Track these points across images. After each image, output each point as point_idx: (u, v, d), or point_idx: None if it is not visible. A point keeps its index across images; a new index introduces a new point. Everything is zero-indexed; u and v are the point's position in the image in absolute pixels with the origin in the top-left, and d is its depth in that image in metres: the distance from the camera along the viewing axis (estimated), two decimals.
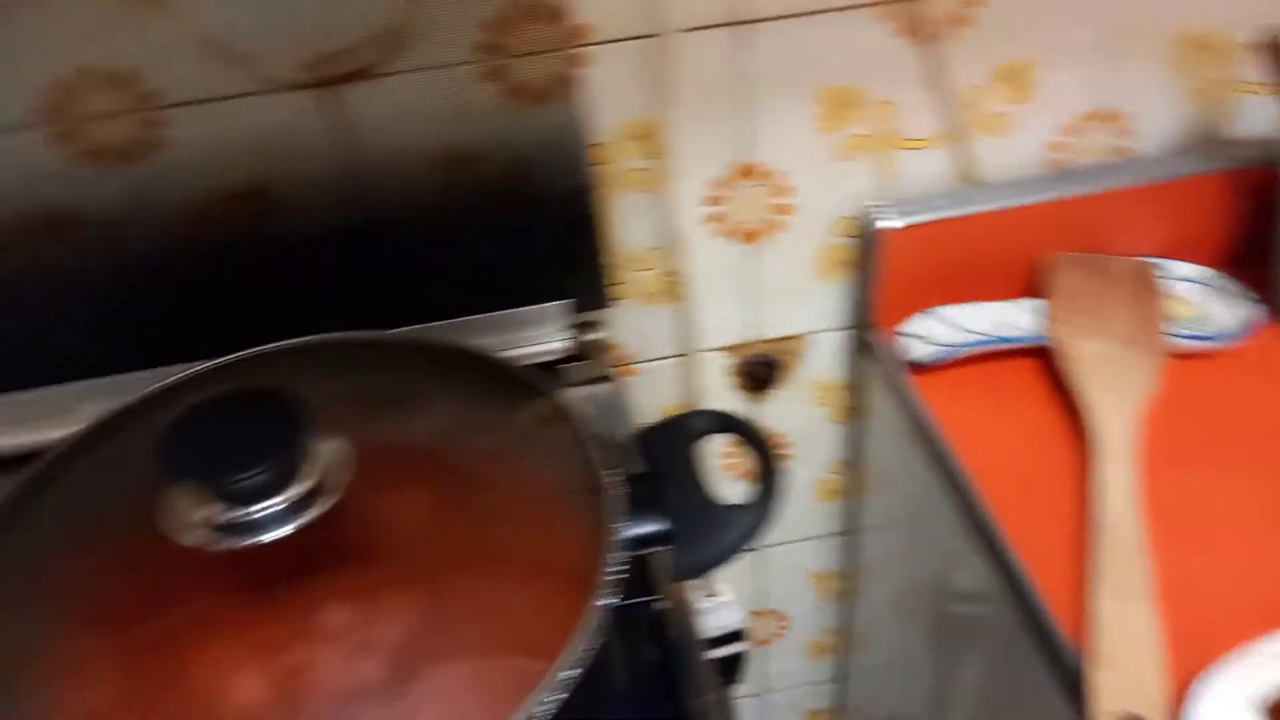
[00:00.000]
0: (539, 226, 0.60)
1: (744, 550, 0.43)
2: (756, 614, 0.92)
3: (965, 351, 0.62)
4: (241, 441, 0.40)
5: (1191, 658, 0.45)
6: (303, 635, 0.39)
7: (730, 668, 0.92)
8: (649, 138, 0.60)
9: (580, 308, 0.64)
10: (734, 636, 0.89)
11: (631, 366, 0.71)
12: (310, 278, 0.61)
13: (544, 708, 0.35)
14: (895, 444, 0.70)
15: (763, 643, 0.96)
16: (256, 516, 0.39)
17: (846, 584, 0.92)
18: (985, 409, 0.62)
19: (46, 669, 0.39)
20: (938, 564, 0.72)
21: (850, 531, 0.87)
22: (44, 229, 0.55)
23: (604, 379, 0.66)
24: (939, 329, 0.63)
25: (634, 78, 0.57)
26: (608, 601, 0.38)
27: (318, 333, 0.53)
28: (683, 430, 0.47)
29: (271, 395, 0.41)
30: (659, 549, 0.43)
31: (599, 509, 0.44)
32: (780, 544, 0.86)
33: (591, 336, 0.64)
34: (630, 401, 0.66)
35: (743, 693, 0.99)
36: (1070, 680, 0.46)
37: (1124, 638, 0.46)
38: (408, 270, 0.61)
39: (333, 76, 0.53)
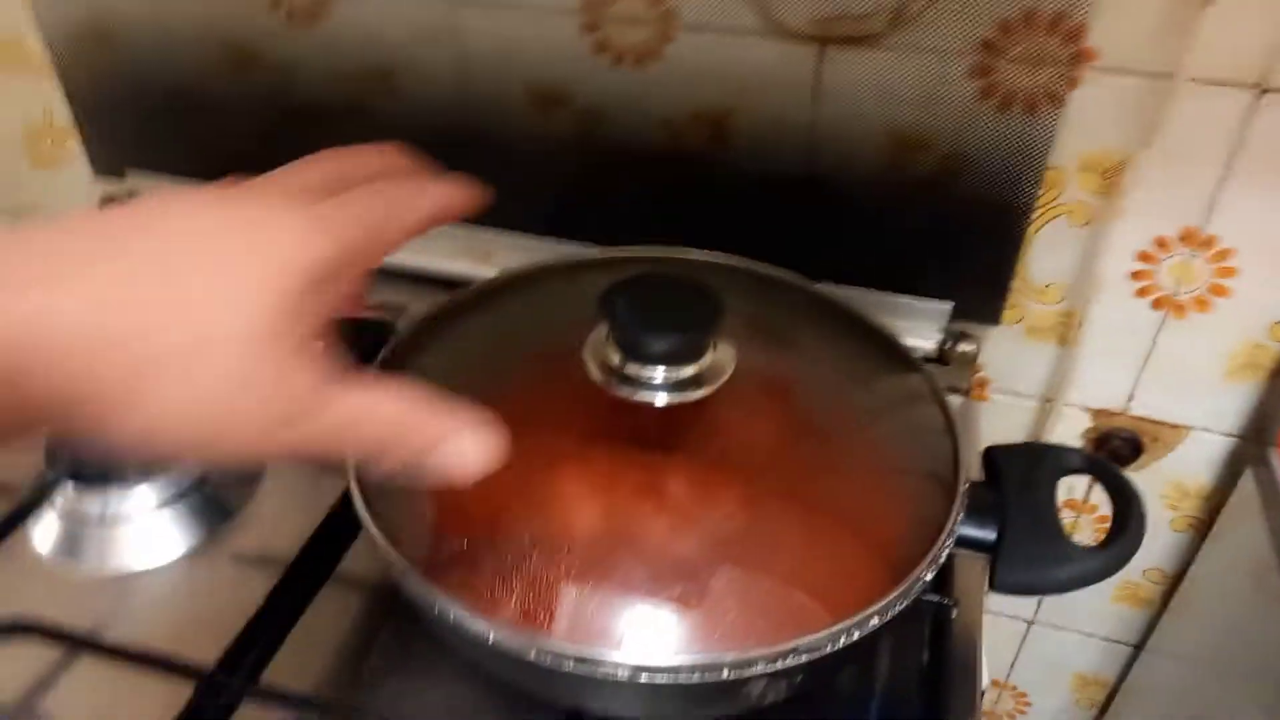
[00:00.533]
0: (956, 225, 0.61)
1: (1071, 590, 0.42)
2: (999, 685, 0.88)
3: None
4: (667, 311, 0.45)
5: None
6: (646, 492, 0.44)
7: None
8: (1108, 175, 0.58)
9: (962, 315, 0.64)
10: None
11: (987, 392, 0.70)
12: (736, 212, 0.66)
13: (810, 654, 0.37)
14: (1240, 574, 0.64)
15: (992, 717, 0.91)
16: (653, 378, 0.45)
17: (1109, 698, 0.85)
18: None
19: None
20: (1227, 717, 0.65)
21: (1138, 647, 0.80)
22: (547, 103, 0.65)
23: (958, 391, 0.66)
24: None
25: (1120, 112, 0.55)
26: (916, 583, 0.40)
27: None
28: (1049, 459, 0.46)
29: (703, 290, 0.46)
30: (974, 553, 0.44)
31: (939, 495, 0.45)
32: (1058, 629, 0.81)
33: (963, 347, 0.64)
34: (976, 423, 0.65)
35: None
36: None
37: None
38: (824, 230, 0.64)
39: (835, 36, 0.56)
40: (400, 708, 0.45)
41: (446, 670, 0.48)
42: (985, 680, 0.85)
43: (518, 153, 0.68)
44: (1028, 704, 0.88)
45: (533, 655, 0.37)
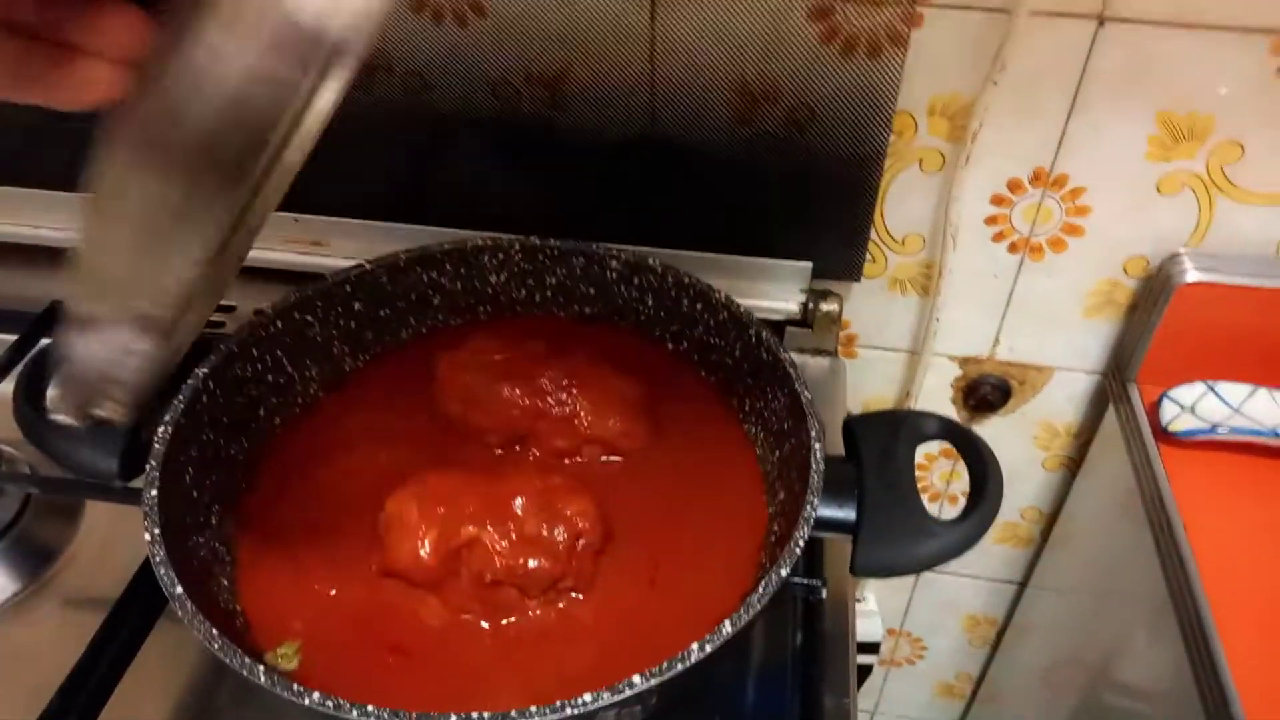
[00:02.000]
0: (810, 181, 0.58)
1: (932, 568, 0.41)
2: (894, 633, 0.88)
3: (1232, 437, 0.55)
4: None
5: None
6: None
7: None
8: (956, 118, 0.55)
9: (821, 274, 0.61)
10: (867, 648, 0.86)
11: (855, 349, 0.68)
12: (580, 179, 0.61)
13: (689, 658, 0.34)
14: (1111, 508, 0.64)
15: (892, 664, 0.92)
16: None
17: (999, 635, 0.86)
18: (1234, 503, 0.55)
19: None
20: (1109, 646, 0.66)
21: (1023, 584, 0.81)
22: (366, 69, 0.58)
23: (824, 353, 0.64)
24: (1210, 402, 0.56)
25: (963, 51, 0.53)
26: (780, 574, 0.37)
27: (579, 227, 0.54)
28: (905, 428, 0.44)
29: None
30: (837, 535, 0.42)
31: (794, 481, 0.42)
32: (945, 573, 0.82)
33: (825, 307, 0.62)
34: (843, 383, 0.63)
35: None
36: None
37: None
38: (672, 193, 0.61)
39: None
40: None
41: (287, 708, 0.44)
42: (880, 633, 0.85)
43: (338, 129, 0.61)
44: (924, 648, 0.89)
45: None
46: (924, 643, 0.88)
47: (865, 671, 0.88)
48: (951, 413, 0.70)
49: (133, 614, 0.46)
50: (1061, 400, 0.68)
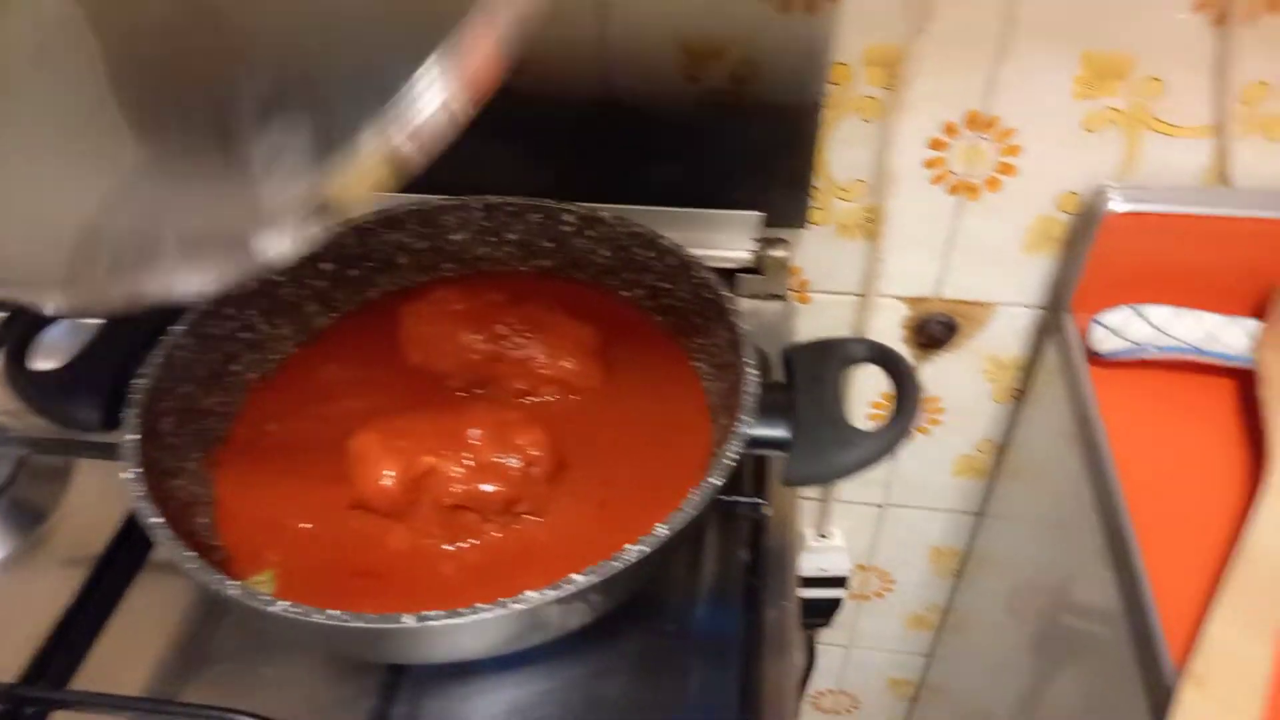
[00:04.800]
0: (756, 133, 0.61)
1: (856, 474, 0.44)
2: (864, 568, 0.92)
3: (1157, 355, 0.58)
4: None
5: None
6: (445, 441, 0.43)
7: (823, 611, 0.93)
8: (890, 66, 0.58)
9: (772, 223, 0.64)
10: (836, 582, 0.90)
11: (808, 294, 0.71)
12: (541, 138, 0.64)
13: (626, 558, 0.37)
14: (1053, 435, 0.67)
15: (862, 598, 0.96)
16: None
17: (962, 565, 0.90)
18: (1161, 418, 0.58)
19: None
20: (1062, 570, 0.70)
21: (981, 514, 0.85)
22: None
23: (777, 298, 0.67)
24: (1137, 325, 0.59)
25: (893, 2, 0.55)
26: (711, 483, 0.40)
27: (538, 190, 0.57)
28: (836, 353, 0.47)
29: None
30: (774, 453, 0.45)
31: (735, 409, 0.46)
32: (907, 507, 0.85)
33: (775, 254, 0.64)
34: (795, 327, 0.66)
35: (830, 640, 1.00)
36: (1163, 703, 0.45)
37: (1228, 665, 0.44)
38: (626, 152, 0.63)
39: None
40: (232, 694, 0.44)
41: (279, 649, 0.48)
42: (848, 568, 0.89)
43: None
44: (892, 581, 0.93)
45: (320, 620, 0.36)
46: (892, 576, 0.92)
47: (835, 605, 0.92)
48: (903, 351, 0.73)
49: (120, 560, 0.49)
50: (1006, 334, 0.71)
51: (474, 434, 0.43)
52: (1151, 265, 0.61)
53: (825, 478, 0.44)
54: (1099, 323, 0.60)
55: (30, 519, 0.55)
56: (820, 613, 0.93)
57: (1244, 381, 0.58)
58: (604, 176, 0.63)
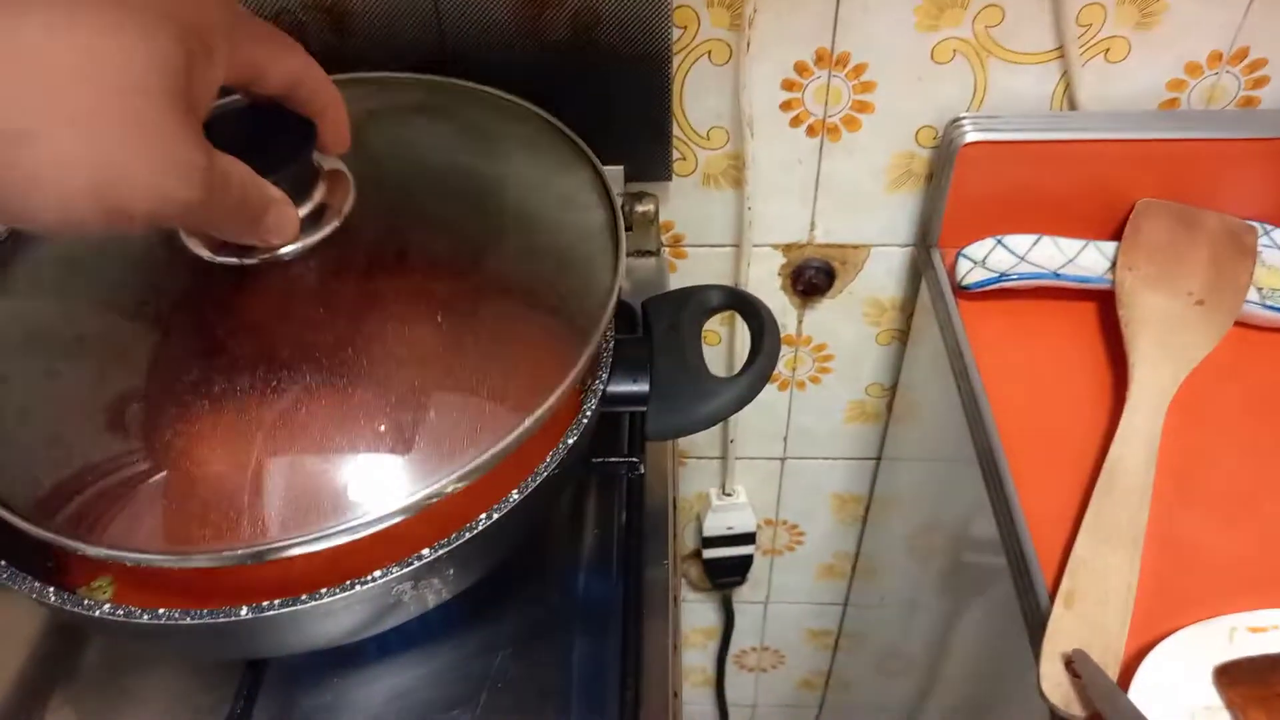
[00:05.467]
0: (605, 85, 0.59)
1: (718, 422, 0.43)
2: (771, 523, 0.92)
3: (1020, 282, 0.59)
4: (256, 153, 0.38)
5: (1165, 619, 0.44)
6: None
7: (735, 569, 0.93)
8: (734, 7, 0.57)
9: (634, 176, 0.63)
10: (745, 539, 0.90)
11: (682, 249, 0.70)
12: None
13: (480, 525, 0.36)
14: (933, 373, 0.68)
15: (774, 553, 0.96)
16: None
17: (866, 510, 0.91)
18: (1028, 345, 0.59)
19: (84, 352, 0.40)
20: (956, 507, 0.70)
21: (878, 459, 0.86)
22: None
23: (649, 254, 0.65)
24: (999, 255, 0.60)
25: None
26: (566, 443, 0.39)
27: None
28: (693, 302, 0.46)
29: (289, 118, 0.37)
30: (635, 408, 0.44)
31: (586, 362, 0.44)
32: (806, 458, 0.85)
33: (642, 208, 0.63)
34: (672, 282, 0.65)
35: (746, 597, 1.01)
36: (1039, 627, 0.45)
37: (1097, 581, 0.45)
38: None
39: None
40: (95, 712, 0.41)
41: (141, 661, 0.45)
42: (754, 524, 0.89)
43: None
44: (801, 533, 0.94)
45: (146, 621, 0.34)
46: (800, 528, 0.93)
47: (747, 562, 0.92)
48: (783, 299, 0.73)
49: None
50: (882, 275, 0.71)
51: None
52: (1011, 195, 0.62)
53: (686, 429, 0.43)
54: (965, 255, 0.61)
55: None
56: (733, 571, 0.93)
57: (1105, 303, 0.59)
58: None
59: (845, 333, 0.75)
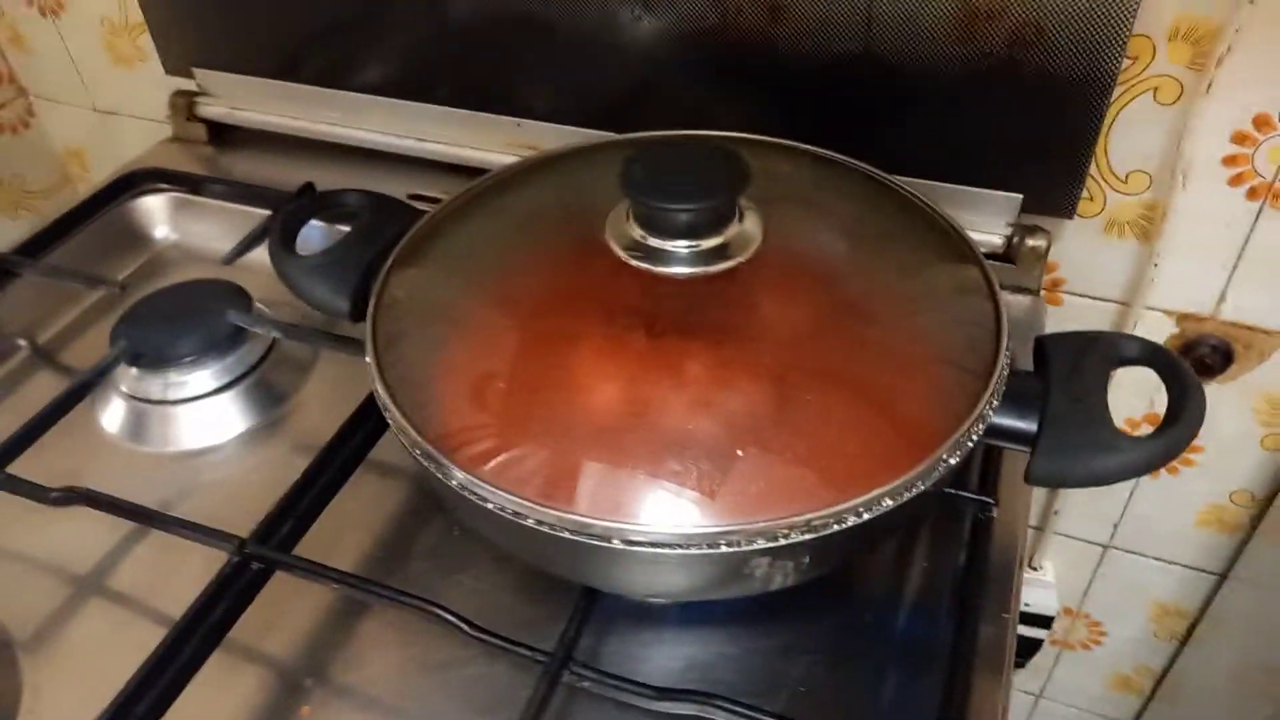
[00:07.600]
0: (1028, 105, 0.56)
1: (1111, 482, 0.39)
2: (1070, 612, 0.84)
3: None
4: (688, 179, 0.43)
5: None
6: (667, 367, 0.42)
7: (1019, 650, 0.86)
8: (1200, 43, 0.52)
9: (1031, 208, 0.59)
10: (1039, 621, 0.83)
11: (1059, 295, 0.65)
12: (791, 97, 0.62)
13: (810, 532, 0.35)
14: None
15: (1065, 645, 0.87)
16: (675, 250, 0.43)
17: (1189, 629, 0.80)
18: None
19: (460, 326, 0.46)
20: None
21: (1223, 575, 0.75)
22: None
23: (1027, 292, 0.61)
24: None
25: None
26: (937, 465, 0.37)
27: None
28: (1100, 347, 0.42)
29: (728, 155, 0.44)
30: (1014, 446, 0.41)
31: (978, 386, 0.42)
32: (1135, 553, 0.77)
33: (1031, 242, 0.59)
34: (1043, 328, 0.60)
35: (1018, 684, 0.92)
36: None
37: None
38: (882, 113, 0.60)
39: None
40: (429, 593, 0.45)
41: (476, 559, 0.49)
42: (1055, 607, 0.81)
43: (557, 44, 0.65)
44: (1103, 633, 0.84)
45: (532, 523, 0.36)
46: (1103, 628, 0.83)
47: (1034, 646, 0.84)
48: None
49: (345, 450, 0.52)
50: None
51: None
52: None
53: (1077, 480, 0.39)
54: None
55: (273, 400, 0.59)
56: (1016, 651, 0.85)
57: None
58: (858, 136, 0.60)
59: (1226, 425, 0.66)
